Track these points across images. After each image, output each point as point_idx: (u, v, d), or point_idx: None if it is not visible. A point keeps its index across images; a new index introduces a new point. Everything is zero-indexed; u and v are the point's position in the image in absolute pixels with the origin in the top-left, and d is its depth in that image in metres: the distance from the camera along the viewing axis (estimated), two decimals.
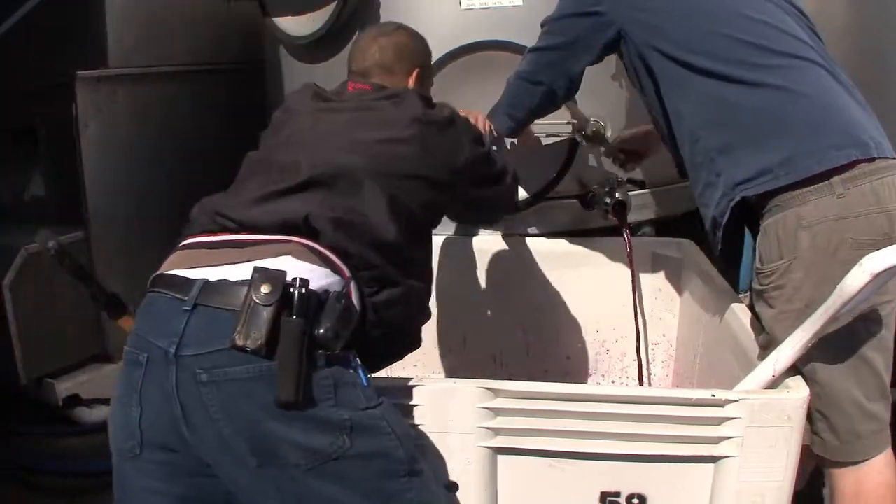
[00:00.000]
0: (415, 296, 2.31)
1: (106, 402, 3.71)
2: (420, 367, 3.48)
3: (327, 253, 2.07)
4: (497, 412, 2.24)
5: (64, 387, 3.63)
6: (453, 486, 2.26)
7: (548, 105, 2.90)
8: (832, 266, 2.25)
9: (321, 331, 1.89)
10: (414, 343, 2.44)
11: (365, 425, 1.94)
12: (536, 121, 3.08)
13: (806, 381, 2.27)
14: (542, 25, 2.77)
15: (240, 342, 1.84)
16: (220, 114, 4.25)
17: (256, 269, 1.91)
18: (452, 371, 3.56)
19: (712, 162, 2.44)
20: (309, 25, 3.45)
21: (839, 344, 2.29)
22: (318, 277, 1.99)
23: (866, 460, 2.37)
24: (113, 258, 3.83)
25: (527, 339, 3.54)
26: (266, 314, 1.85)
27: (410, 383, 2.27)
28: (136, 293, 2.50)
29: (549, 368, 3.55)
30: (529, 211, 3.39)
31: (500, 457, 2.29)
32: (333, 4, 3.30)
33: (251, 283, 1.88)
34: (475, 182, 2.54)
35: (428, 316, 2.46)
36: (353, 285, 2.09)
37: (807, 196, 2.29)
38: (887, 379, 2.38)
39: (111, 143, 3.82)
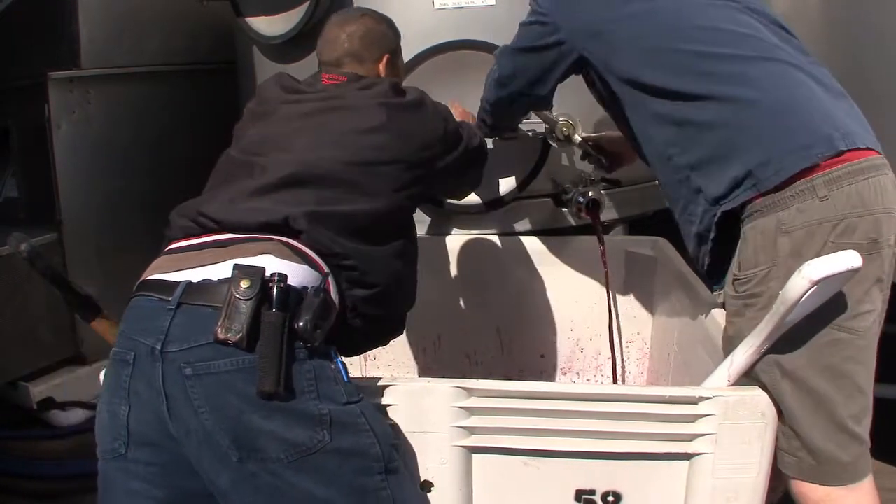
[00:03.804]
0: (397, 284, 2.37)
1: (80, 404, 3.71)
2: (394, 366, 3.49)
3: (306, 250, 2.12)
4: (471, 411, 2.23)
5: (38, 390, 3.61)
6: (428, 486, 2.27)
7: (523, 116, 3.03)
8: None
9: (300, 323, 1.93)
10: (397, 330, 2.55)
11: (344, 421, 1.97)
12: None
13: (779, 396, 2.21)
14: (498, 56, 2.76)
15: (221, 335, 1.88)
16: (193, 114, 4.24)
17: (236, 266, 1.95)
18: (426, 371, 3.57)
19: (688, 179, 2.37)
20: (282, 25, 3.45)
21: (820, 358, 2.19)
22: (297, 273, 2.03)
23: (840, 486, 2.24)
24: (86, 260, 3.81)
25: (501, 338, 3.54)
26: (246, 308, 1.90)
27: (385, 383, 2.26)
28: (111, 295, 2.49)
29: (523, 367, 3.57)
30: (503, 210, 3.40)
31: (474, 456, 2.28)
32: (306, 4, 3.31)
33: (231, 280, 1.93)
34: (451, 157, 2.58)
35: (412, 301, 2.53)
36: (331, 280, 2.14)
37: (788, 200, 2.20)
38: (870, 395, 2.25)
39: (84, 143, 3.81)
